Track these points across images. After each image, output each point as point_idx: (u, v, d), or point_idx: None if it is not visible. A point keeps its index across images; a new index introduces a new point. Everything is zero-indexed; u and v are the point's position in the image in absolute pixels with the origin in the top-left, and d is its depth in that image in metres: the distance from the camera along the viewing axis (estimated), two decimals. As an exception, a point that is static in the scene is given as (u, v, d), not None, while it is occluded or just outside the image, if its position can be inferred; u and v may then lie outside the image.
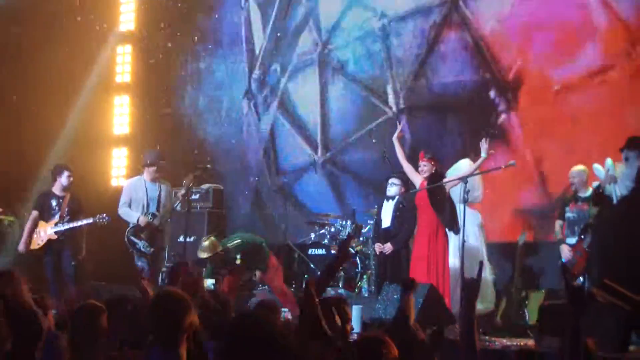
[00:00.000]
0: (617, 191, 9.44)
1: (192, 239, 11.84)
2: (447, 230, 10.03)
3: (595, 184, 9.81)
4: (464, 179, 9.84)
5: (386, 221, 10.54)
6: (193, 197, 12.10)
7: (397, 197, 10.52)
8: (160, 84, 14.20)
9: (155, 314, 4.28)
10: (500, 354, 7.97)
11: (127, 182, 11.69)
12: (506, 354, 7.92)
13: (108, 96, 14.28)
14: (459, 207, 9.80)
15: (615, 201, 9.42)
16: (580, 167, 10.30)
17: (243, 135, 14.31)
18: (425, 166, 10.24)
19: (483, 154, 9.88)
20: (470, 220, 10.35)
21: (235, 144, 14.29)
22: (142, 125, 14.19)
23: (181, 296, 4.34)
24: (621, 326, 7.55)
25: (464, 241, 9.45)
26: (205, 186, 12.57)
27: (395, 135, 10.46)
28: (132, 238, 11.08)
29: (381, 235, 10.49)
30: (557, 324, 7.95)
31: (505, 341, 8.90)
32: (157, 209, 11.14)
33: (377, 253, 10.48)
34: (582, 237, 9.92)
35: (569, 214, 10.31)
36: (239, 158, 14.18)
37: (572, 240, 10.08)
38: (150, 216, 11.01)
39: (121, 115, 14.28)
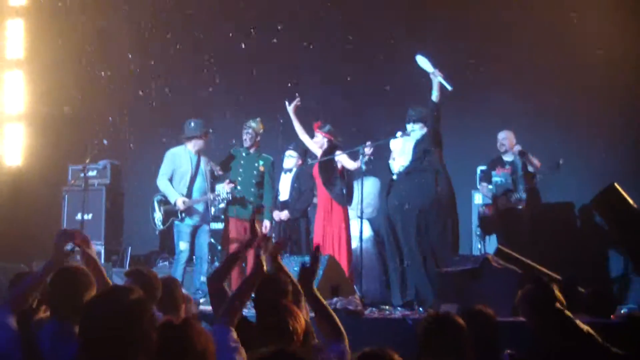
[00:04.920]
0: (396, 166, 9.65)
1: (89, 216, 11.70)
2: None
3: None
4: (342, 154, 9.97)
5: (284, 194, 10.59)
6: (90, 173, 11.95)
7: (294, 169, 10.58)
8: (57, 60, 13.81)
9: (55, 288, 4.23)
10: (399, 322, 8.08)
11: (170, 152, 10.60)
12: (405, 322, 8.02)
13: (-1, 72, 13.90)
14: (359, 182, 9.88)
15: (395, 177, 9.64)
16: (507, 131, 10.64)
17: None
18: (317, 138, 10.24)
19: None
20: (370, 191, 10.50)
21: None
22: (37, 102, 13.83)
23: (83, 271, 4.32)
24: (514, 290, 7.77)
25: (361, 213, 9.55)
26: (102, 162, 12.35)
27: (292, 106, 10.19)
28: (155, 204, 10.59)
29: (279, 207, 10.54)
30: (453, 291, 8.16)
31: (406, 311, 8.88)
32: (208, 184, 10.51)
33: (277, 220, 10.50)
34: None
35: (496, 178, 10.59)
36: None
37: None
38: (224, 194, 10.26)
39: (14, 92, 13.89)
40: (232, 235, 10.41)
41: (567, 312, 4.93)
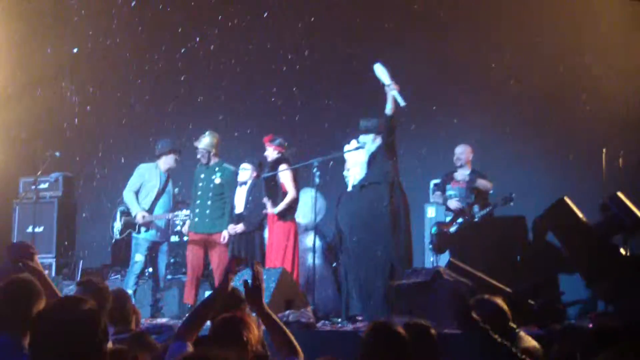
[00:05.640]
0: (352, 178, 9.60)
1: (41, 229, 11.61)
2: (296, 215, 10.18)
3: None
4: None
5: (239, 206, 10.53)
6: (41, 186, 11.87)
7: (249, 182, 10.56)
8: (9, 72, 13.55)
9: (3, 300, 4.16)
10: (351, 335, 8.06)
11: (141, 166, 10.75)
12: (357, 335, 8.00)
13: None
14: (311, 193, 9.86)
15: (350, 188, 9.59)
16: (464, 145, 10.66)
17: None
18: (267, 151, 10.28)
19: None
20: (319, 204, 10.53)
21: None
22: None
23: (32, 283, 4.25)
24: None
25: (315, 227, 9.56)
26: (54, 174, 12.25)
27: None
28: (117, 214, 10.81)
29: (235, 220, 10.49)
30: (404, 303, 8.18)
31: (359, 324, 8.81)
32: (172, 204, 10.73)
33: (231, 234, 10.44)
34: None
35: (450, 192, 10.59)
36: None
37: (449, 217, 10.50)
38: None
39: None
40: (189, 249, 10.48)
41: (482, 324, 4.93)
